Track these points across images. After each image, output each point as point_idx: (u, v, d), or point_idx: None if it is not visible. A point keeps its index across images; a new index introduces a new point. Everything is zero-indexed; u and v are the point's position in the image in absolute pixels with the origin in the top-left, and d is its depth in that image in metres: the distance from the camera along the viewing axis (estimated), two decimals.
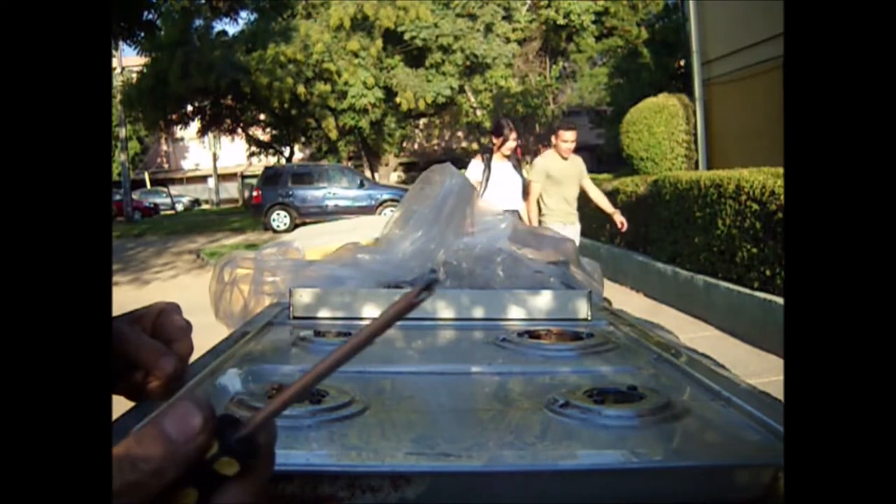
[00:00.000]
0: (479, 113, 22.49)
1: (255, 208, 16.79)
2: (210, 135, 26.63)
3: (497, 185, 5.08)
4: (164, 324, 0.59)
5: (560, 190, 5.26)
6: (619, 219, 5.34)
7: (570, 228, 5.25)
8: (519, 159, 5.57)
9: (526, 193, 5.23)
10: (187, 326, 0.60)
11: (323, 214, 14.84)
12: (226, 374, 0.86)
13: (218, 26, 20.91)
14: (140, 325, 0.59)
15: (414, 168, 25.97)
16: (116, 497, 0.36)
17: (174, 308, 0.61)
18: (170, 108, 21.77)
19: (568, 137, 5.18)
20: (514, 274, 1.57)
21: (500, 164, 5.15)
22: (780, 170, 4.82)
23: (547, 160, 5.33)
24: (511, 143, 5.14)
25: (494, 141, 5.18)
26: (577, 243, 5.29)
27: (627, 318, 1.25)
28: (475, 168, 5.15)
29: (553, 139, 5.35)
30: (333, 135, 22.07)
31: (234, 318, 1.85)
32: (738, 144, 8.61)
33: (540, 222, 5.28)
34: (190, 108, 22.79)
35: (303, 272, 1.71)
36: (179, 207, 32.17)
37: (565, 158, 5.23)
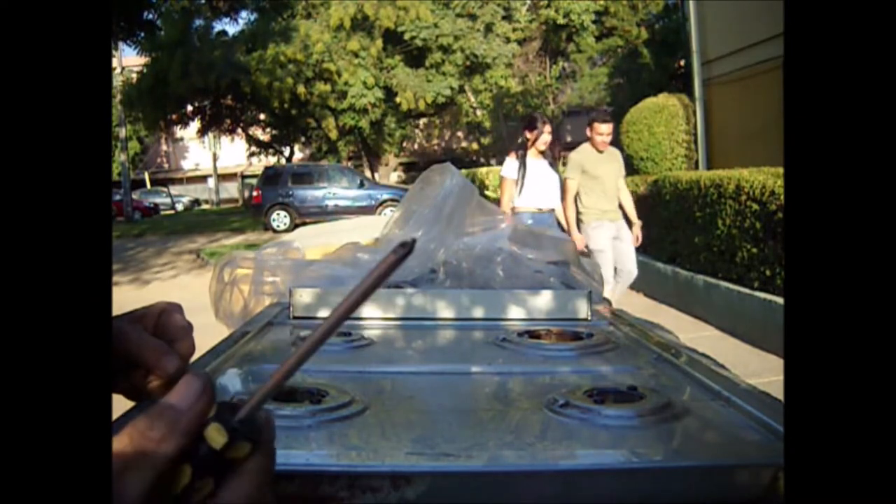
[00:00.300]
0: (479, 113, 22.49)
1: (255, 208, 16.79)
2: (210, 135, 26.63)
3: (533, 184, 4.81)
4: (165, 323, 0.60)
5: (598, 185, 4.94)
6: (637, 232, 5.02)
7: (608, 226, 4.94)
8: (556, 157, 5.30)
9: (563, 192, 4.91)
10: (189, 326, 0.61)
11: (323, 214, 14.84)
12: (226, 374, 0.86)
13: (218, 26, 20.92)
14: (142, 324, 0.59)
15: (414, 168, 25.97)
16: (127, 471, 0.36)
17: (176, 308, 0.61)
18: (170, 108, 21.77)
19: (603, 130, 4.89)
20: (514, 274, 1.57)
21: (536, 161, 4.87)
22: (780, 170, 4.82)
23: (582, 154, 4.99)
24: (546, 137, 4.83)
25: (528, 136, 4.86)
26: (633, 242, 4.91)
27: (627, 318, 1.25)
28: (510, 166, 4.86)
29: (588, 132, 5.02)
30: (333, 135, 22.07)
31: (234, 318, 1.85)
32: (738, 144, 8.61)
33: (579, 222, 4.96)
34: (190, 108, 22.79)
35: (303, 272, 1.71)
36: (179, 207, 32.18)
37: (601, 152, 4.94)
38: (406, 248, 0.37)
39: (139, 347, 0.57)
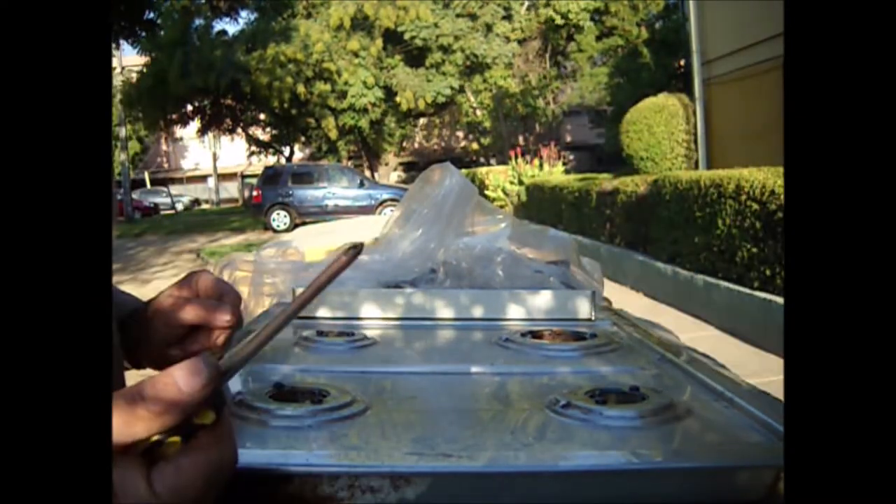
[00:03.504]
0: (479, 113, 22.49)
1: (255, 208, 16.80)
2: (210, 134, 26.63)
3: None
4: (206, 285, 0.63)
5: None
6: None
7: None
8: None
9: None
10: (223, 280, 0.65)
11: (323, 214, 14.84)
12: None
13: (218, 26, 20.93)
14: (185, 293, 0.63)
15: (414, 168, 25.96)
16: (122, 428, 0.38)
17: (205, 271, 0.66)
18: (170, 108, 21.76)
19: None
20: (514, 274, 1.57)
21: None
22: (780, 169, 4.81)
23: None
24: None
25: None
26: None
27: (630, 319, 1.25)
28: None
29: None
30: (333, 135, 22.07)
31: None
32: (738, 144, 8.60)
33: None
34: (190, 107, 22.78)
35: (302, 272, 1.71)
36: (179, 207, 32.16)
37: None
38: (357, 250, 0.45)
39: (195, 311, 0.61)
